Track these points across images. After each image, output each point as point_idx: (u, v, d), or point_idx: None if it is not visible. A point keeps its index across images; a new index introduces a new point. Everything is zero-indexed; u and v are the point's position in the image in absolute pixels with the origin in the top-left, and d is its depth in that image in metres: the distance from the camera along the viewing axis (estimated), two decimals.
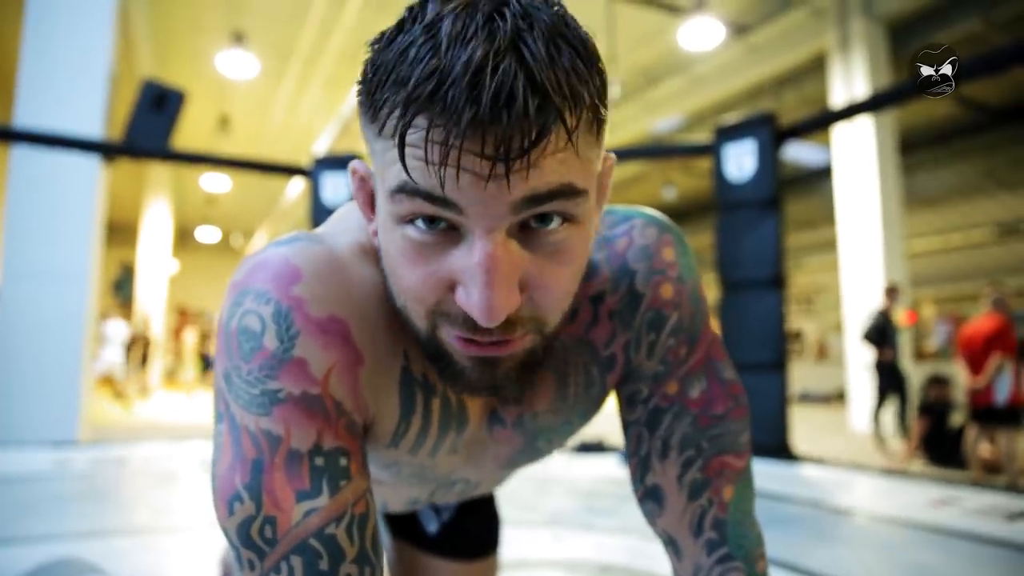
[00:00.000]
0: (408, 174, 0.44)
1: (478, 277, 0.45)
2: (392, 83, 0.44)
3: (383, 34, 0.48)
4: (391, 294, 0.54)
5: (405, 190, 0.45)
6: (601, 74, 0.47)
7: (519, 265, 0.47)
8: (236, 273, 0.56)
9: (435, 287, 0.48)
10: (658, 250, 0.67)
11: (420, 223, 0.46)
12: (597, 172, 0.50)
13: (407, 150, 0.44)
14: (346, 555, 0.51)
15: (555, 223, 0.47)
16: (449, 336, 0.50)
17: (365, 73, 0.48)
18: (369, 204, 0.57)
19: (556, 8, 0.46)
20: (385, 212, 0.49)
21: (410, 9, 0.47)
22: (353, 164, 0.56)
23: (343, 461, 0.53)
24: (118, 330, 10.00)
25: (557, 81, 0.43)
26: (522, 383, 0.55)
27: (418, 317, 0.51)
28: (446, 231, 0.47)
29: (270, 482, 0.50)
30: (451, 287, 0.48)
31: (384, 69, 0.45)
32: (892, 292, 5.75)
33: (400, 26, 0.46)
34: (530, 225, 0.47)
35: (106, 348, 9.69)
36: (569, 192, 0.46)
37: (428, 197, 0.44)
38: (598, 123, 0.48)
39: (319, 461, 0.52)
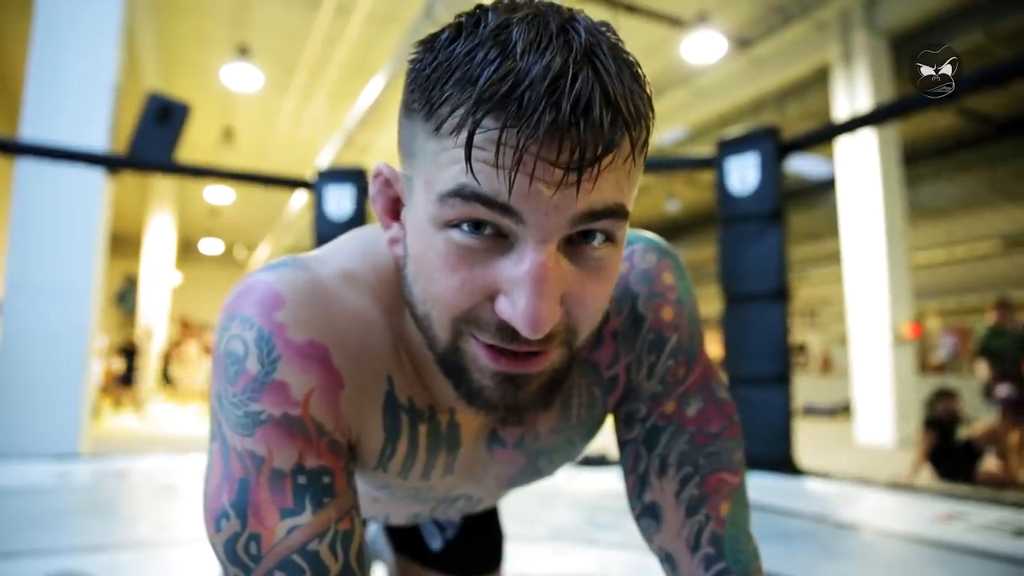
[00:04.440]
0: (474, 176, 0.43)
1: (527, 286, 0.44)
2: (458, 80, 0.43)
3: (435, 36, 0.48)
4: (411, 303, 0.53)
5: (462, 194, 0.44)
6: (651, 103, 0.48)
7: (565, 279, 0.47)
8: (227, 298, 0.57)
9: (471, 294, 0.47)
10: (658, 274, 0.68)
11: (466, 227, 0.45)
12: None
13: (473, 151, 0.43)
14: (329, 571, 0.51)
15: (599, 240, 0.47)
16: (474, 347, 0.50)
17: (420, 69, 0.47)
18: (389, 210, 0.56)
19: (612, 33, 0.47)
20: (426, 216, 0.48)
21: (468, 16, 0.46)
22: (378, 166, 0.56)
23: (326, 479, 0.54)
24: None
25: (626, 99, 0.43)
26: (544, 405, 0.54)
27: (441, 326, 0.50)
28: (493, 237, 0.46)
29: (255, 500, 0.52)
30: (489, 296, 0.47)
31: (447, 67, 0.44)
32: (1005, 307, 5.39)
33: (458, 30, 0.46)
34: (574, 241, 0.47)
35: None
36: (620, 213, 0.47)
37: (488, 202, 0.43)
38: (646, 150, 0.48)
39: (302, 480, 0.53)
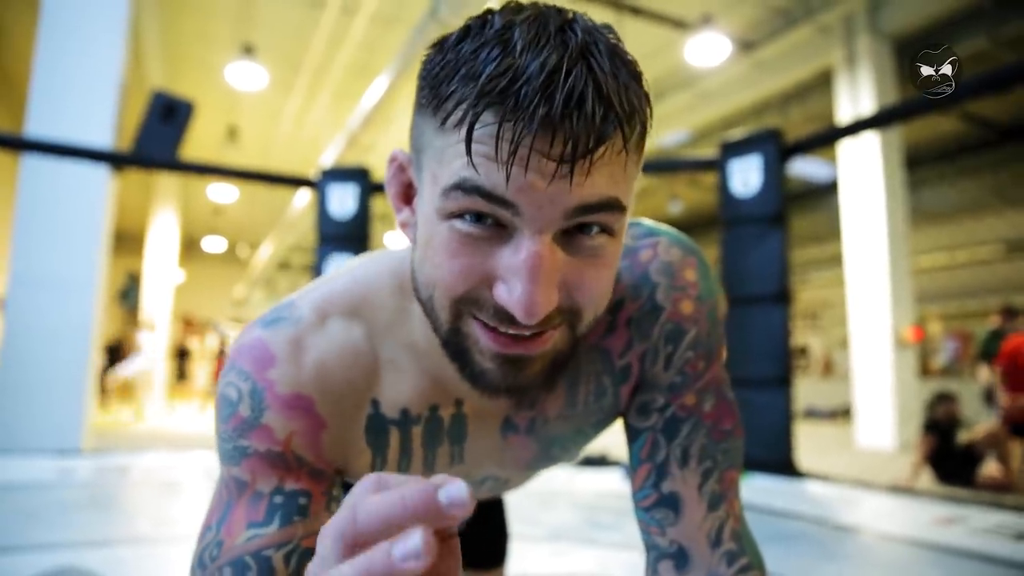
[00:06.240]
0: (474, 168, 0.45)
1: (523, 275, 0.47)
2: (462, 77, 0.46)
3: (445, 38, 0.50)
4: (417, 287, 0.56)
5: (464, 187, 0.46)
6: (648, 100, 0.50)
7: (560, 267, 0.49)
8: (233, 344, 0.63)
9: (469, 279, 0.50)
10: (681, 269, 0.69)
11: (468, 217, 0.48)
12: (634, 193, 0.52)
13: (474, 146, 0.45)
14: (275, 574, 0.55)
15: (594, 231, 0.50)
16: (476, 329, 0.52)
17: (430, 68, 0.50)
18: (402, 194, 0.59)
19: (611, 33, 0.49)
20: (432, 207, 0.50)
21: (476, 19, 0.49)
22: (394, 152, 0.59)
23: (302, 501, 0.59)
24: (149, 340, 10.22)
25: (619, 94, 0.46)
26: (547, 386, 0.57)
27: (443, 308, 0.52)
28: (493, 227, 0.48)
29: (231, 516, 0.58)
30: (487, 281, 0.49)
31: (453, 64, 0.47)
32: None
33: (466, 31, 0.48)
34: (571, 232, 0.49)
35: (139, 356, 9.87)
36: (615, 206, 0.49)
37: (487, 195, 0.46)
38: (642, 146, 0.50)
39: (278, 499, 0.58)
